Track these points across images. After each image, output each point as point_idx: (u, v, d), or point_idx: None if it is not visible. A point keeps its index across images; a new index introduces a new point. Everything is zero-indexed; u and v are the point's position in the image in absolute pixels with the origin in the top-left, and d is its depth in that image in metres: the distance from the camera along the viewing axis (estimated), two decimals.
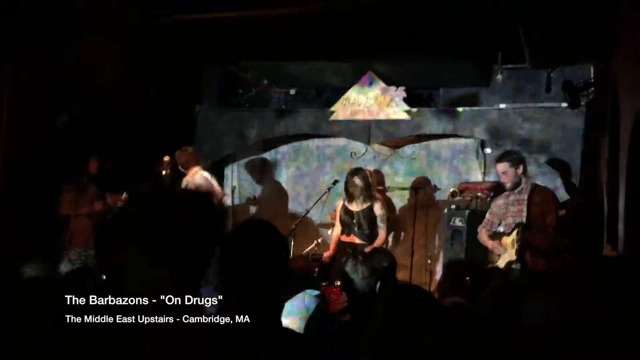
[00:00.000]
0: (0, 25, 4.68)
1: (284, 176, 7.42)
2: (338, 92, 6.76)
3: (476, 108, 6.44)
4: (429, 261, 6.44)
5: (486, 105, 6.56)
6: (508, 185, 4.71)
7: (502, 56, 6.15)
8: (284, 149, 7.44)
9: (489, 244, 4.81)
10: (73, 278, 2.89)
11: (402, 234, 6.84)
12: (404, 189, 6.84)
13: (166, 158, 5.18)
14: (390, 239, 6.75)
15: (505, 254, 4.64)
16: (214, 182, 5.64)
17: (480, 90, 6.90)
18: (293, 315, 2.52)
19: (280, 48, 6.11)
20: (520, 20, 4.58)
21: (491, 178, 6.42)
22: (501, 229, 4.85)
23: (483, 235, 4.92)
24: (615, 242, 4.26)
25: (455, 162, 6.88)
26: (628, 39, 4.05)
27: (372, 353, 1.76)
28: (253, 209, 7.36)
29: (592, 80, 5.54)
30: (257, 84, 7.40)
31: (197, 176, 5.57)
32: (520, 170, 4.69)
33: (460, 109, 6.40)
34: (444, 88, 7.02)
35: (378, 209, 5.73)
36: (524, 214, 4.58)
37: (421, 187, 6.57)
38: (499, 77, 6.15)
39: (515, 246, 4.54)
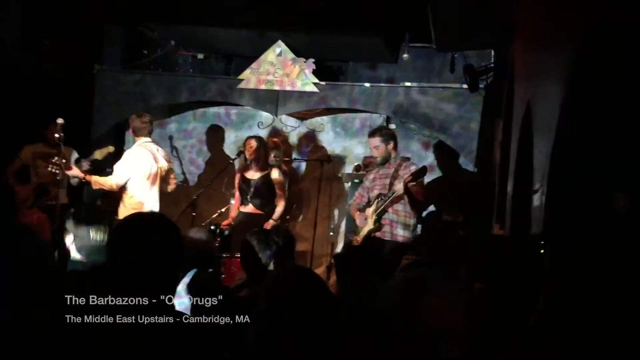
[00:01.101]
0: None
1: (189, 143, 7.25)
2: (247, 61, 6.64)
3: (383, 84, 6.55)
4: (331, 233, 6.56)
5: (393, 82, 6.69)
6: (378, 159, 4.96)
7: (411, 35, 6.27)
8: (188, 115, 7.25)
9: (356, 215, 5.04)
10: None
11: (306, 206, 6.91)
12: (309, 160, 6.89)
13: (59, 120, 4.85)
14: (298, 212, 6.82)
15: (366, 224, 4.87)
16: (159, 155, 5.28)
17: (388, 67, 7.02)
18: (183, 295, 2.49)
19: (190, 10, 5.90)
20: (428, 3, 4.67)
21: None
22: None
23: (353, 209, 5.15)
24: (503, 222, 4.51)
25: (361, 136, 6.99)
26: (524, 28, 4.24)
27: (257, 334, 1.78)
28: None
29: (492, 65, 5.77)
30: (164, 46, 7.12)
31: (139, 148, 5.15)
32: (391, 146, 4.94)
33: (367, 85, 6.48)
34: (353, 63, 7.08)
35: (276, 175, 5.71)
36: (387, 186, 4.82)
37: (327, 160, 6.64)
38: (406, 55, 6.27)
39: (375, 216, 4.79)
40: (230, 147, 7.09)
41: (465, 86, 5.85)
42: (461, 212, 5.69)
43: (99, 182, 5.02)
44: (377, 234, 4.81)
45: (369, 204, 4.97)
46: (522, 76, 4.46)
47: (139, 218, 1.97)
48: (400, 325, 1.59)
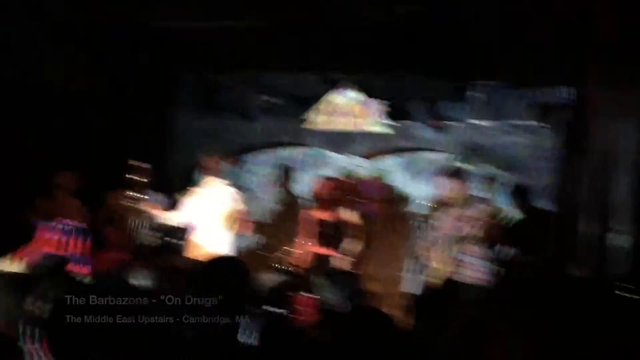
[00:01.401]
0: None
1: (259, 184, 7.39)
2: (317, 102, 6.76)
3: (453, 123, 6.50)
4: (401, 274, 6.45)
5: (462, 120, 6.62)
6: (451, 199, 4.84)
7: (481, 73, 6.22)
8: (259, 156, 7.41)
9: (429, 257, 4.93)
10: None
11: (376, 246, 6.85)
12: (379, 200, 6.86)
13: (136, 163, 5.07)
14: (368, 252, 6.76)
15: (439, 266, 4.75)
16: (229, 196, 5.27)
17: (457, 106, 6.96)
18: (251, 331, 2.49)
19: (260, 56, 6.10)
20: (499, 39, 4.64)
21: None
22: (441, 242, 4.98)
23: (425, 250, 5.04)
24: (582, 263, 4.32)
25: (431, 175, 6.92)
26: (602, 65, 4.13)
27: None
28: None
29: (568, 101, 5.62)
30: (235, 91, 7.37)
31: (208, 187, 5.31)
32: (464, 186, 4.82)
33: (436, 123, 6.45)
34: (422, 102, 7.07)
35: (350, 216, 5.69)
36: (462, 227, 4.70)
37: (396, 199, 6.59)
38: (476, 93, 6.21)
39: (449, 258, 4.67)
40: (300, 188, 7.17)
41: (540, 123, 5.72)
42: (538, 254, 5.48)
43: (166, 217, 5.18)
44: (452, 275, 4.70)
45: (442, 244, 4.88)
46: (599, 112, 4.32)
47: (212, 259, 2.04)
48: None
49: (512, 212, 6.28)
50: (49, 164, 5.69)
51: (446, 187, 4.87)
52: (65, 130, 5.69)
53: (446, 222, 4.90)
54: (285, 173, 7.23)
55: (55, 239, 2.46)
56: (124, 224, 6.07)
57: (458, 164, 6.42)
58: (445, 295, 2.87)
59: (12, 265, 2.37)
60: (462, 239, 4.67)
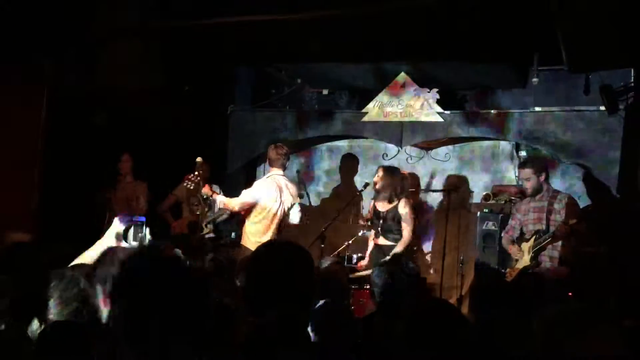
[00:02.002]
0: (39, 32, 4.83)
1: (315, 175, 7.43)
2: (371, 93, 6.73)
3: (511, 110, 6.35)
4: (460, 264, 6.37)
5: (522, 107, 6.46)
6: (529, 191, 4.78)
7: (539, 58, 6.04)
8: (315, 149, 7.45)
9: (510, 248, 4.87)
10: None
11: (434, 236, 6.79)
12: (436, 191, 6.79)
13: (198, 159, 5.21)
14: (427, 243, 6.73)
15: (521, 259, 4.68)
16: (287, 189, 5.39)
17: (515, 92, 6.79)
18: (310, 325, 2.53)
19: (314, 49, 6.12)
20: (557, 23, 4.49)
21: None
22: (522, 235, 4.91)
23: (506, 240, 4.98)
24: None
25: (489, 164, 6.80)
26: None
27: None
28: None
29: (632, 84, 5.40)
30: (291, 84, 7.43)
31: (269, 179, 5.39)
32: (543, 177, 4.75)
33: (494, 112, 6.32)
34: (478, 90, 6.94)
35: (402, 207, 5.67)
36: (543, 221, 4.62)
37: (454, 189, 6.51)
38: (535, 79, 6.03)
39: (532, 252, 4.60)
40: (355, 179, 7.17)
41: (602, 108, 5.52)
42: (605, 243, 5.31)
43: (224, 201, 5.32)
44: (535, 269, 4.65)
45: (523, 237, 4.82)
46: None
47: (274, 246, 2.05)
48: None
49: (580, 199, 6.09)
50: (116, 160, 5.95)
51: (524, 178, 4.81)
52: (130, 129, 5.92)
53: (526, 214, 4.83)
54: (347, 164, 7.26)
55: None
56: (187, 216, 6.27)
57: (523, 153, 6.29)
58: (517, 287, 2.82)
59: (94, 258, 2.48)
60: (548, 236, 4.60)
